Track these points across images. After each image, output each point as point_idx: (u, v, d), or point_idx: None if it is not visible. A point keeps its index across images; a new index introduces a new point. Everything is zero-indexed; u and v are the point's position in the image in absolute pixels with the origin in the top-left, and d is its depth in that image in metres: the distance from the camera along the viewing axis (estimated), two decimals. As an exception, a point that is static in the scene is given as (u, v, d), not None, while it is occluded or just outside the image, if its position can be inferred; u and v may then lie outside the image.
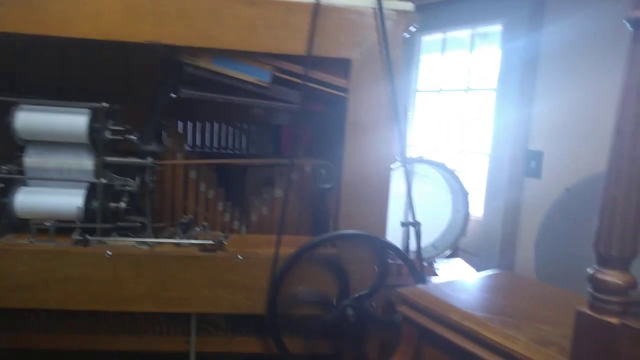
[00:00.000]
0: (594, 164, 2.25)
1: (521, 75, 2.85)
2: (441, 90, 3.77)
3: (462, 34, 3.59)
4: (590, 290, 0.89)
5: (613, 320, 0.84)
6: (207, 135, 2.52)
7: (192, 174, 2.31)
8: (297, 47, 1.85)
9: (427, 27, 3.66)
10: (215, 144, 2.54)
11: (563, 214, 1.99)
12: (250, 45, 1.84)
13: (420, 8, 2.00)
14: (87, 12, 1.78)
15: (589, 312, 0.88)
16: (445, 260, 2.73)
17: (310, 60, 1.86)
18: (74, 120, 1.93)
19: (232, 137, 2.56)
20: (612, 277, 0.85)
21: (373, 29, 1.88)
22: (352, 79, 1.92)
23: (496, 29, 3.23)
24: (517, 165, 2.88)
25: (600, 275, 0.86)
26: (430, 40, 3.85)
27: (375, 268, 2.01)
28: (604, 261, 0.86)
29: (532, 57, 2.82)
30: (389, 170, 2.00)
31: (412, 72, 3.89)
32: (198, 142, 2.50)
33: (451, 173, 2.47)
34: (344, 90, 1.95)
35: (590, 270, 0.89)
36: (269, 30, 1.84)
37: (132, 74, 2.18)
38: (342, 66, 1.94)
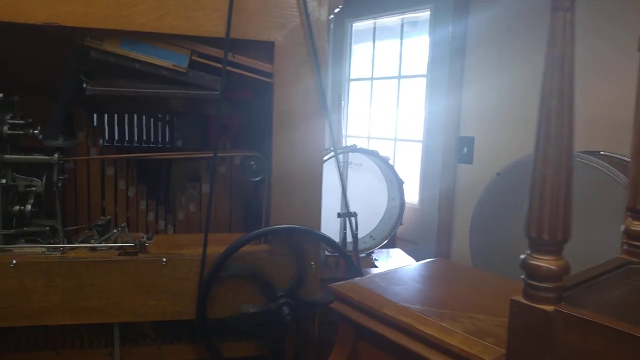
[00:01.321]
0: (524, 147, 2.27)
1: (450, 62, 2.86)
2: (374, 78, 3.74)
3: (392, 21, 3.57)
4: (524, 277, 0.84)
5: (547, 307, 0.80)
6: (127, 128, 2.32)
7: (110, 171, 2.13)
8: (215, 28, 1.71)
9: (358, 13, 3.61)
10: (136, 138, 2.35)
11: (495, 199, 1.99)
12: (161, 26, 1.68)
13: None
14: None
15: (523, 300, 0.83)
16: (384, 251, 2.70)
17: (227, 43, 1.72)
18: (-37, 114, 1.70)
19: (154, 129, 2.37)
20: (545, 262, 0.80)
21: (296, 10, 1.77)
22: (276, 63, 1.80)
23: (425, 15, 3.23)
24: (450, 152, 2.89)
25: (533, 261, 0.82)
26: (361, 29, 3.81)
27: (312, 264, 1.93)
28: (536, 246, 0.82)
29: (460, 43, 2.83)
30: (320, 160, 1.91)
31: (345, 61, 3.83)
32: (116, 135, 2.30)
33: (385, 161, 2.44)
34: (270, 75, 1.84)
35: (523, 256, 0.84)
36: (182, 10, 1.68)
37: (33, 61, 1.95)
38: (268, 50, 1.82)
